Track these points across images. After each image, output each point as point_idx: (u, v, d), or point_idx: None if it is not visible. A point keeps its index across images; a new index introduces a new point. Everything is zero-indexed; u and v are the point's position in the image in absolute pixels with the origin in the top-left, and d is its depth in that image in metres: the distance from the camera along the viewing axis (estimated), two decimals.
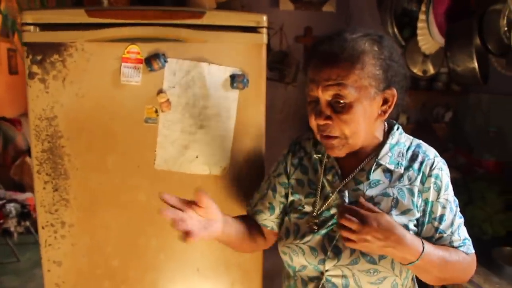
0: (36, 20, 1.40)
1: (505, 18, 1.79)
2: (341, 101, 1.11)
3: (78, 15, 1.40)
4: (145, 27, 1.41)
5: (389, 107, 1.17)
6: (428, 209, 1.16)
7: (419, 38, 2.15)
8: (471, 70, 1.87)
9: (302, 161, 1.33)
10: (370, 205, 1.09)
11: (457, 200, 1.20)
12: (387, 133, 1.23)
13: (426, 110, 2.78)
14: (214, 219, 1.17)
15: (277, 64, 2.46)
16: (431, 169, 1.17)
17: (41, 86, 1.43)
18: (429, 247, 1.09)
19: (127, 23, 1.40)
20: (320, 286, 1.20)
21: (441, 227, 1.16)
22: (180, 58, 1.44)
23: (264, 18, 1.47)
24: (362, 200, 1.11)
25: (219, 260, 1.56)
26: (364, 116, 1.13)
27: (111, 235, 1.51)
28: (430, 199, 1.16)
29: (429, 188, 1.16)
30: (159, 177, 1.49)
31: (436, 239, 1.16)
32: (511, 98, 2.30)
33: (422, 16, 2.10)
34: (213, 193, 1.50)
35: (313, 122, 1.17)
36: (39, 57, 1.42)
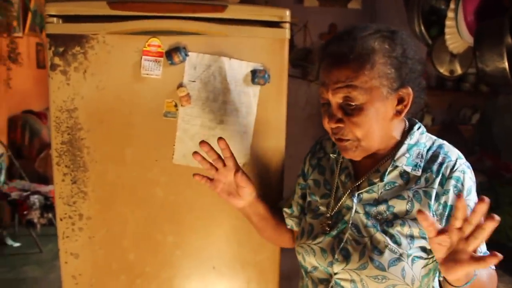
0: (59, 12, 1.40)
1: None
2: (352, 104, 1.07)
3: (100, 7, 1.40)
4: (167, 20, 1.40)
5: (405, 106, 1.11)
6: (446, 213, 1.08)
7: (447, 37, 2.10)
8: (501, 71, 1.80)
9: (321, 161, 1.31)
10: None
11: None
12: (407, 133, 1.17)
13: (452, 111, 2.71)
14: (244, 188, 1.28)
15: (301, 61, 2.44)
16: (451, 170, 1.09)
17: (63, 78, 1.43)
18: (480, 272, 1.00)
19: (149, 16, 1.39)
20: None
21: None
22: (201, 52, 1.42)
23: (287, 13, 1.44)
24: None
25: (236, 258, 1.54)
26: (376, 118, 1.08)
27: (128, 229, 1.50)
28: (449, 203, 1.08)
29: (448, 191, 1.08)
30: (177, 172, 1.47)
31: None
32: None
33: (450, 14, 2.04)
34: None
35: (327, 125, 1.14)
36: (61, 49, 1.42)
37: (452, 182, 1.08)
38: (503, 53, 1.77)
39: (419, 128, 1.18)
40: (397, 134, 1.17)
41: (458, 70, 2.31)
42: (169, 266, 1.53)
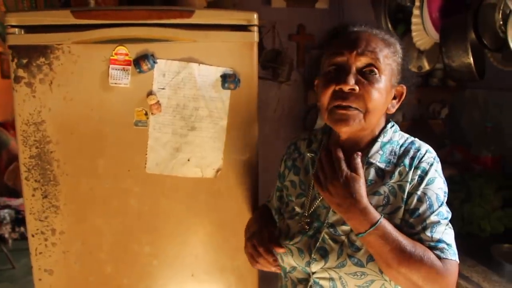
0: (21, 22, 1.37)
1: (500, 12, 1.76)
2: (374, 71, 1.10)
3: (64, 17, 1.37)
4: (133, 28, 1.38)
5: (397, 103, 1.18)
6: (405, 199, 1.10)
7: (413, 34, 2.12)
8: (467, 66, 1.84)
9: (296, 162, 1.32)
10: (357, 165, 1.07)
11: (442, 201, 1.10)
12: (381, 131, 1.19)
13: (422, 107, 2.75)
14: None
15: (270, 62, 2.43)
16: (419, 162, 1.11)
17: (28, 90, 1.39)
18: (386, 227, 1.02)
19: (115, 24, 1.37)
20: None
21: (411, 220, 1.07)
22: (169, 59, 1.41)
23: (255, 16, 1.44)
24: (355, 155, 1.09)
25: (214, 264, 1.53)
26: (385, 96, 1.13)
27: (103, 242, 1.48)
28: (410, 191, 1.10)
29: (413, 180, 1.10)
30: (151, 181, 1.45)
31: (406, 235, 1.06)
32: (507, 93, 2.27)
33: (416, 12, 2.07)
34: (206, 197, 1.49)
35: (328, 92, 1.11)
36: (24, 61, 1.38)
37: (418, 172, 1.11)
38: (467, 48, 1.80)
39: (392, 126, 1.21)
40: (377, 130, 1.19)
41: (426, 66, 2.34)
42: (147, 277, 1.51)
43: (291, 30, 2.54)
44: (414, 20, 2.09)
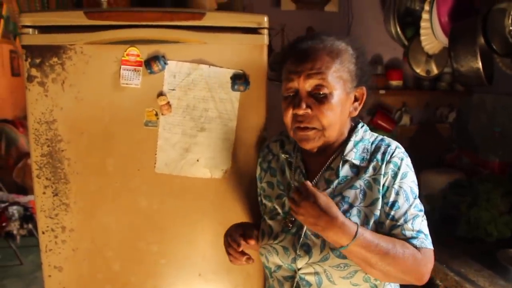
0: (35, 22, 1.39)
1: (510, 17, 1.76)
2: (322, 92, 1.16)
3: (77, 17, 1.39)
4: (145, 29, 1.40)
5: (359, 104, 1.24)
6: (381, 194, 1.17)
7: (422, 38, 2.13)
8: (476, 71, 1.84)
9: (271, 164, 1.38)
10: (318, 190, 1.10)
11: (416, 193, 1.19)
12: (352, 131, 1.27)
13: (429, 111, 2.75)
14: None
15: (279, 64, 2.44)
16: (391, 156, 1.19)
17: (40, 89, 1.41)
18: (365, 235, 1.07)
19: (127, 25, 1.39)
20: (295, 285, 1.22)
21: (392, 213, 1.15)
22: (180, 60, 1.42)
23: (265, 18, 1.45)
24: (305, 183, 1.13)
25: (221, 264, 1.54)
26: (341, 109, 1.18)
27: (111, 240, 1.49)
28: (386, 184, 1.17)
29: (387, 174, 1.17)
30: (160, 181, 1.47)
31: (388, 227, 1.15)
32: None
33: (425, 16, 2.07)
34: (214, 197, 1.50)
35: (289, 115, 1.20)
36: (38, 60, 1.40)
37: (390, 166, 1.18)
38: (476, 53, 1.81)
39: (362, 126, 1.29)
40: (346, 132, 1.27)
41: (434, 70, 2.35)
42: (155, 275, 1.52)
43: (300, 33, 2.52)
44: (423, 24, 2.10)
